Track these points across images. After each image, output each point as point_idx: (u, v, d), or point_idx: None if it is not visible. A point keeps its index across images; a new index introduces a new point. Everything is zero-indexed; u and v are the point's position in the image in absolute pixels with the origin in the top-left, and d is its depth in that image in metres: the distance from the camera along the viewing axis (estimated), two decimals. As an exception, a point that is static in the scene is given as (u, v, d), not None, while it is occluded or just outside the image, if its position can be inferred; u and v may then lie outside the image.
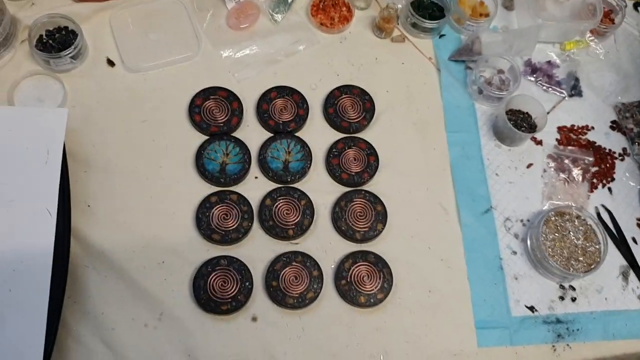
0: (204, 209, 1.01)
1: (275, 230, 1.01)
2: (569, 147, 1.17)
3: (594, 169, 1.16)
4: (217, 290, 0.95)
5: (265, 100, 1.11)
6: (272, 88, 1.13)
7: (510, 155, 1.15)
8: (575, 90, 1.23)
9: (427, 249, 1.05)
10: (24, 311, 0.83)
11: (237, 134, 1.09)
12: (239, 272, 0.97)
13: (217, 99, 1.10)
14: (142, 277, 0.96)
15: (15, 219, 0.87)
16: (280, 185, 1.06)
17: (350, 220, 1.04)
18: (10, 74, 1.07)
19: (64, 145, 0.94)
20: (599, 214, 1.12)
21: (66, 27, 1.11)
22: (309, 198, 1.04)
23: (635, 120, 1.20)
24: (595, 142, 1.19)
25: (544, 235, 1.04)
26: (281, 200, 1.03)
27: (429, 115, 1.16)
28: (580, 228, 1.06)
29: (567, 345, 1.02)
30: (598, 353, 1.02)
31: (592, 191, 1.14)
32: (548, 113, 1.18)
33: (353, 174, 1.07)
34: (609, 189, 1.15)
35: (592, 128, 1.20)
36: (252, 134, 1.10)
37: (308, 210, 1.03)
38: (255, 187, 1.05)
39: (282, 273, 0.98)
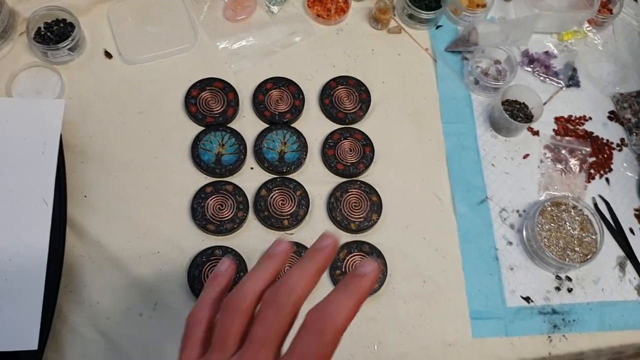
0: (199, 199, 1.02)
1: (271, 221, 1.01)
2: (566, 138, 1.16)
3: (591, 160, 1.15)
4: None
5: (261, 91, 1.12)
6: (268, 79, 1.13)
7: (507, 146, 1.15)
8: (572, 80, 1.22)
9: (422, 240, 1.05)
10: (19, 300, 0.83)
11: (233, 124, 1.09)
12: (233, 263, 0.97)
13: (213, 90, 1.10)
14: (137, 267, 0.97)
15: (12, 208, 0.88)
16: (275, 176, 1.06)
17: (346, 211, 1.04)
18: (9, 66, 1.08)
19: (61, 136, 0.95)
20: (596, 205, 1.12)
21: (64, 20, 1.12)
22: (304, 189, 1.05)
23: (633, 110, 1.19)
24: (592, 133, 1.18)
25: (539, 226, 1.04)
26: (276, 191, 1.04)
27: (425, 106, 1.16)
28: (577, 218, 1.06)
29: (563, 336, 1.01)
30: (594, 344, 1.02)
31: (589, 182, 1.14)
32: (545, 104, 1.18)
33: (348, 164, 1.08)
34: (607, 179, 1.15)
35: (590, 118, 1.20)
36: (248, 124, 1.10)
37: (303, 200, 1.04)
38: (250, 178, 1.06)
39: (277, 263, 0.98)
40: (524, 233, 1.06)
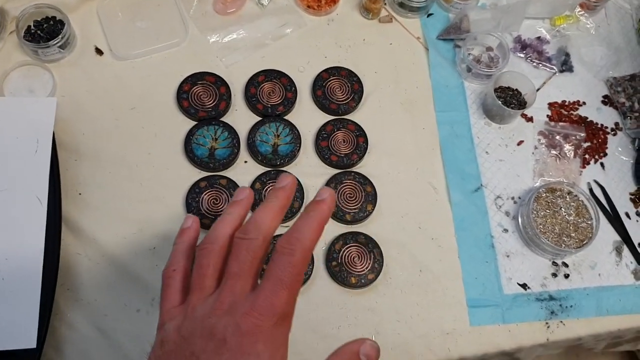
0: (193, 194, 1.01)
1: (265, 214, 1.01)
2: (560, 123, 1.16)
3: (585, 145, 1.15)
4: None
5: (253, 84, 1.11)
6: (260, 72, 1.12)
7: (501, 133, 1.14)
8: (565, 65, 1.22)
9: (417, 229, 1.05)
10: (17, 299, 0.84)
11: (226, 118, 1.09)
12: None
13: (204, 84, 1.10)
14: (133, 264, 0.97)
15: (6, 208, 0.88)
16: (269, 169, 1.06)
17: (340, 202, 1.04)
18: (0, 65, 1.08)
19: (54, 134, 0.95)
20: (591, 190, 1.12)
21: (54, 17, 1.11)
22: (298, 181, 1.04)
23: (627, 94, 1.19)
24: (587, 118, 1.18)
25: (535, 212, 1.04)
26: (271, 184, 1.04)
27: (417, 95, 1.16)
28: (572, 204, 1.06)
29: (561, 322, 1.02)
30: (592, 329, 1.02)
31: (584, 167, 1.14)
32: (538, 90, 1.17)
33: (342, 155, 1.07)
34: (602, 164, 1.15)
35: (584, 103, 1.20)
36: (241, 118, 1.10)
37: (298, 192, 1.04)
38: (244, 172, 1.06)
39: (273, 256, 0.98)
40: (520, 220, 1.06)
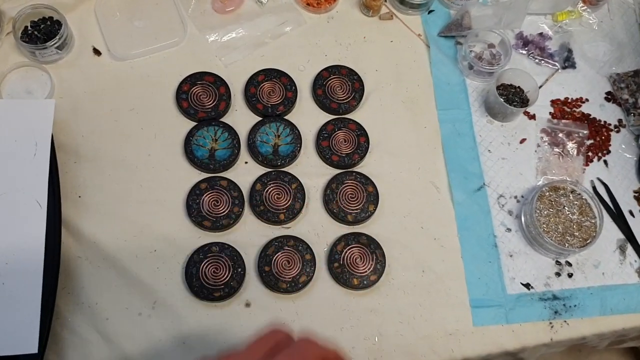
0: (194, 196, 1.01)
1: (267, 215, 1.01)
2: (563, 121, 1.15)
3: (589, 142, 1.14)
4: (210, 277, 0.95)
5: (253, 83, 1.10)
6: (260, 71, 1.11)
7: (503, 131, 1.13)
8: (568, 62, 1.20)
9: (419, 229, 1.04)
10: (17, 304, 0.83)
11: (226, 119, 1.08)
12: (231, 259, 0.97)
13: (204, 84, 1.09)
14: (134, 266, 0.96)
15: (5, 212, 0.88)
16: (270, 170, 1.05)
17: (342, 203, 1.03)
18: (-3, 67, 1.07)
19: (52, 136, 0.94)
20: (594, 188, 1.11)
21: (51, 17, 1.10)
22: (299, 181, 1.04)
23: (630, 90, 1.18)
24: (589, 115, 1.17)
25: (538, 211, 1.03)
26: (272, 185, 1.03)
27: (419, 93, 1.15)
28: (575, 202, 1.05)
29: (565, 321, 1.01)
30: (596, 329, 1.02)
31: (587, 164, 1.13)
32: (541, 86, 1.16)
33: (343, 155, 1.07)
34: (605, 161, 1.14)
35: (587, 100, 1.18)
36: (241, 118, 1.09)
37: (299, 193, 1.03)
38: (245, 172, 1.05)
39: (275, 258, 0.98)
40: (523, 219, 1.05)
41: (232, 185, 1.02)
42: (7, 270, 0.85)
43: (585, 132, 1.14)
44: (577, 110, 1.17)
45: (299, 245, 0.99)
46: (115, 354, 0.92)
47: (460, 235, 1.04)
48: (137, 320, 0.94)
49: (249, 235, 1.01)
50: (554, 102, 1.17)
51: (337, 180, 1.04)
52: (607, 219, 1.07)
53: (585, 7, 1.26)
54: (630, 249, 1.07)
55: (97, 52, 1.11)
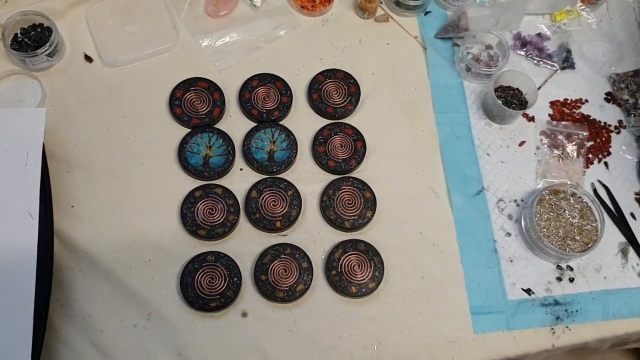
0: (188, 204, 0.99)
1: (263, 223, 0.99)
2: (563, 122, 1.13)
3: (589, 144, 1.13)
4: (205, 287, 0.94)
5: (247, 89, 1.09)
6: (254, 76, 1.10)
7: (502, 134, 1.12)
8: (567, 62, 1.19)
9: (418, 235, 1.03)
10: (9, 317, 0.82)
11: (220, 125, 1.07)
12: (227, 268, 0.95)
13: (197, 90, 1.07)
14: (128, 277, 0.95)
15: (-4, 224, 0.86)
16: (266, 176, 1.03)
17: (339, 209, 1.01)
18: (-14, 76, 1.05)
19: (44, 145, 0.92)
20: (595, 190, 1.09)
21: (41, 24, 1.08)
22: (295, 188, 1.02)
23: (630, 90, 1.16)
24: (589, 116, 1.15)
25: (538, 215, 1.02)
26: (267, 192, 1.01)
27: (416, 96, 1.13)
28: (576, 206, 1.03)
29: (566, 327, 0.99)
30: (598, 334, 1.00)
31: (587, 167, 1.11)
32: (540, 88, 1.15)
33: (340, 161, 1.05)
34: (605, 163, 1.12)
35: (586, 101, 1.17)
36: (235, 124, 1.07)
37: (295, 200, 1.01)
38: (240, 180, 1.03)
39: (271, 266, 0.96)
40: (523, 223, 1.04)
41: (227, 193, 1.01)
42: (-2, 283, 0.83)
43: (585, 133, 1.12)
44: (577, 111, 1.15)
45: (296, 253, 0.97)
46: (111, 366, 0.90)
47: (459, 241, 1.03)
48: (132, 331, 0.92)
49: (245, 243, 0.99)
50: (553, 104, 1.15)
51: (334, 186, 1.03)
52: (608, 221, 1.06)
53: (584, 7, 1.24)
54: (632, 252, 1.06)
55: (88, 58, 1.10)
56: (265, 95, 1.08)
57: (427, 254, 1.02)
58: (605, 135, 1.14)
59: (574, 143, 1.11)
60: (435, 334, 0.97)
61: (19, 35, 1.08)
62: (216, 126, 1.06)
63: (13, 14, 1.06)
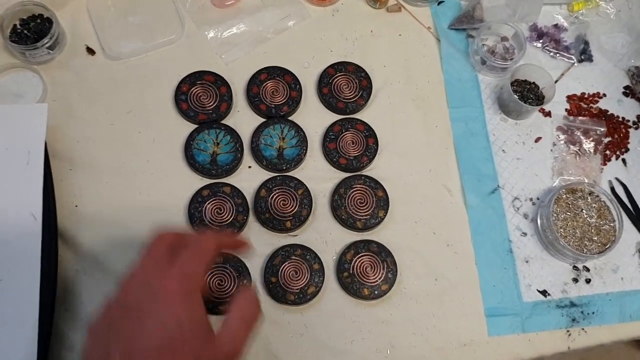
0: (195, 203, 0.96)
1: (272, 223, 0.96)
2: (580, 118, 1.10)
3: (606, 140, 1.09)
4: (214, 290, 0.91)
5: (256, 82, 1.05)
6: (262, 69, 1.06)
7: (517, 130, 1.09)
8: (584, 54, 1.15)
9: (432, 235, 1.00)
10: (13, 322, 0.80)
11: (227, 121, 1.03)
12: (236, 270, 0.93)
13: (204, 84, 1.03)
14: (135, 279, 0.93)
15: (-2, 226, 0.84)
16: (275, 174, 1.00)
17: (351, 208, 0.99)
18: (-15, 70, 1.02)
19: (46, 143, 0.90)
20: (612, 188, 1.07)
21: (41, 15, 1.04)
22: (306, 187, 0.99)
23: (649, 85, 1.13)
24: (607, 111, 1.12)
25: (555, 215, 0.99)
26: (277, 191, 0.98)
27: (429, 90, 1.10)
28: (594, 205, 1.01)
29: (583, 329, 0.97)
30: (615, 336, 0.98)
31: (605, 164, 1.08)
32: (556, 81, 1.11)
33: (351, 158, 1.02)
34: (623, 160, 1.09)
35: (604, 95, 1.13)
36: (243, 120, 1.04)
37: (306, 199, 0.98)
38: (248, 178, 1.00)
39: (281, 268, 0.94)
40: (539, 222, 1.01)
41: (236, 192, 0.98)
42: (1, 287, 0.81)
43: (602, 129, 1.09)
44: (594, 106, 1.12)
45: (307, 254, 0.95)
46: (118, 371, 0.88)
47: (474, 241, 1.00)
48: (139, 336, 0.90)
49: (254, 244, 0.96)
50: (570, 98, 1.12)
51: (346, 185, 1.00)
52: (625, 220, 1.03)
53: (603, -4, 1.20)
54: (650, 253, 1.04)
55: (90, 51, 1.06)
56: (274, 90, 1.05)
57: (441, 254, 0.99)
58: (624, 130, 1.11)
59: (591, 139, 1.08)
60: (449, 336, 0.95)
61: (18, 26, 1.04)
62: (223, 122, 1.03)
63: (11, 4, 1.02)
